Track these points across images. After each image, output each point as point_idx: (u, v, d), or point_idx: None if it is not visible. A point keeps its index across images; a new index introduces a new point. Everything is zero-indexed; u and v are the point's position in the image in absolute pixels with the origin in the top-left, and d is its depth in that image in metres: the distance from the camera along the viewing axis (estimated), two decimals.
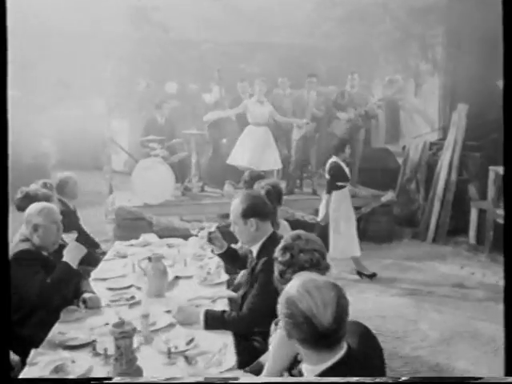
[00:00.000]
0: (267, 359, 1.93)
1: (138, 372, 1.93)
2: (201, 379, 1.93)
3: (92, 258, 3.79)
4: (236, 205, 2.61)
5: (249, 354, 2.31)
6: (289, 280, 1.97)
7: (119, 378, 1.88)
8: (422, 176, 7.52)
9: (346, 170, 5.35)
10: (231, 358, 2.14)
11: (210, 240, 2.89)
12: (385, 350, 3.65)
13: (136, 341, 2.27)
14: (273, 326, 2.05)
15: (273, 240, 2.59)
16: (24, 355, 2.20)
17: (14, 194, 4.14)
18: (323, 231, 5.24)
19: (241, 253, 3.04)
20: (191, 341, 2.26)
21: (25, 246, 2.75)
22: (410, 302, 4.76)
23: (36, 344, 2.28)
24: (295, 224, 6.78)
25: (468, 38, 8.00)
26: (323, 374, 1.47)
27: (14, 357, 2.34)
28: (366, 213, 6.87)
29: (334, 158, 5.29)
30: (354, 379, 1.56)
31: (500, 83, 6.49)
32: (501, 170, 6.10)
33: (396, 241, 7.01)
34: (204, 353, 2.16)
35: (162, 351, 2.18)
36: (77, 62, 8.57)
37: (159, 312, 2.61)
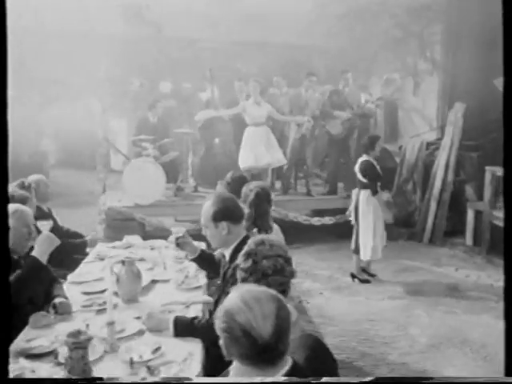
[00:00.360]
0: None
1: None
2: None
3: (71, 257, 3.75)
4: (207, 208, 2.53)
5: (219, 362, 2.23)
6: None
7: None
8: (418, 176, 7.40)
9: (378, 168, 5.22)
10: (196, 366, 2.06)
11: (178, 245, 2.81)
12: (371, 356, 3.59)
13: (99, 349, 2.21)
14: None
15: (245, 244, 2.52)
16: None
17: None
18: (356, 233, 5.16)
19: (218, 257, 2.95)
20: (157, 349, 2.18)
21: None
22: (401, 305, 4.66)
23: None
24: (289, 225, 6.76)
25: (467, 36, 7.88)
26: None
27: None
28: None
29: (364, 157, 5.15)
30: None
31: (497, 81, 6.36)
32: (497, 170, 5.98)
33: (391, 242, 6.88)
34: (168, 362, 2.08)
35: (125, 360, 2.10)
36: (72, 61, 8.53)
37: (129, 318, 2.54)
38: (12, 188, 3.63)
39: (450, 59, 8.62)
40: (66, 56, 8.45)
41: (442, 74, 8.70)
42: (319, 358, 1.61)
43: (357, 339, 3.93)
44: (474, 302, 4.76)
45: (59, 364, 2.09)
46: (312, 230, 6.80)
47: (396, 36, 9.04)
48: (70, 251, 3.88)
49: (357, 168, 5.21)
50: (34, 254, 2.65)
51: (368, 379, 1.74)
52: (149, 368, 2.02)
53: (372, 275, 5.38)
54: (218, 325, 1.38)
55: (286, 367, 1.41)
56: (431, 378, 1.83)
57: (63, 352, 2.11)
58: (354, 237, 5.30)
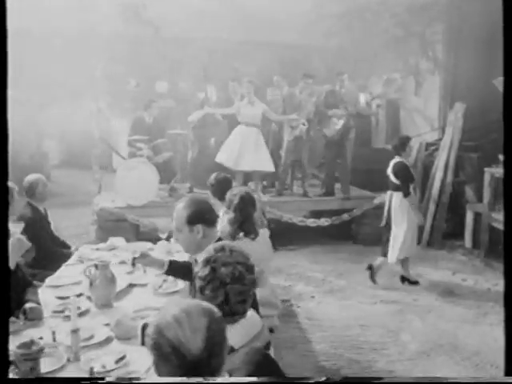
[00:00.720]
0: None
1: None
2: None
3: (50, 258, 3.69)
4: (180, 211, 2.42)
5: None
6: (209, 297, 1.80)
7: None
8: (417, 177, 7.25)
9: (411, 169, 5.12)
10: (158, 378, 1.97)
11: (134, 265, 2.70)
12: (358, 363, 3.48)
13: (63, 358, 2.13)
14: None
15: None
16: None
17: None
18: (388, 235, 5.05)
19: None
20: (122, 359, 2.09)
21: None
22: (393, 310, 4.55)
23: None
24: (284, 226, 6.68)
25: (469, 35, 7.76)
26: None
27: None
28: (358, 215, 6.66)
29: (397, 159, 5.02)
30: None
31: (496, 81, 6.21)
32: (497, 171, 5.85)
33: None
34: (131, 373, 1.99)
35: (85, 370, 2.02)
36: (70, 61, 8.49)
37: (99, 325, 2.46)
38: None
39: (451, 59, 8.50)
40: (64, 56, 8.41)
41: (443, 73, 8.57)
42: (264, 374, 1.52)
43: (345, 345, 3.83)
44: (469, 308, 4.64)
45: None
46: (308, 231, 6.71)
47: (397, 35, 8.91)
48: (56, 260, 3.83)
49: (390, 170, 5.06)
50: None
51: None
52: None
53: (413, 282, 5.23)
54: (147, 342, 1.29)
55: None
56: (381, 378, 1.74)
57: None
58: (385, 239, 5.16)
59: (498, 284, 5.15)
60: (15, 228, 2.81)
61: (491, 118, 6.78)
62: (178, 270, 2.75)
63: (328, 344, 3.84)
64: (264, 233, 3.19)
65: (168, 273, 2.72)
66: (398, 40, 8.98)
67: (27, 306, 2.59)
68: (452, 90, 8.43)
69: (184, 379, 1.43)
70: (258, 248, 3.02)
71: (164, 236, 2.80)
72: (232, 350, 1.75)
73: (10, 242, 2.65)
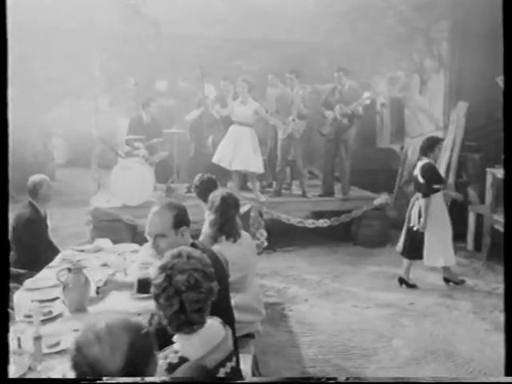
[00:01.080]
0: None
1: None
2: None
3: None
4: (164, 215, 2.33)
5: None
6: (163, 306, 1.72)
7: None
8: None
9: (440, 170, 5.03)
10: None
11: (98, 294, 2.62)
12: (345, 370, 3.38)
13: (25, 365, 2.06)
14: None
15: (196, 248, 2.37)
16: None
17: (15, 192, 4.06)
18: (419, 238, 4.92)
19: None
20: None
21: None
22: (387, 314, 4.43)
23: None
24: (283, 227, 6.58)
25: (474, 32, 7.59)
26: None
27: None
28: (357, 216, 6.54)
29: (424, 160, 4.92)
30: None
31: (499, 79, 6.06)
32: (499, 172, 5.70)
33: (390, 246, 6.65)
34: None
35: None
36: (71, 60, 8.47)
37: (69, 330, 2.39)
38: None
39: (456, 57, 8.33)
40: (65, 55, 8.39)
41: (448, 71, 8.41)
42: None
43: (334, 351, 3.73)
44: (466, 313, 4.50)
45: None
46: (307, 232, 6.61)
47: (401, 33, 8.75)
48: (45, 262, 3.77)
49: (417, 171, 4.95)
50: None
51: None
52: None
53: (458, 282, 5.14)
54: (68, 360, 1.22)
55: None
56: (334, 379, 1.67)
57: None
58: (412, 242, 5.03)
59: (498, 288, 5.01)
60: None
61: (496, 117, 6.62)
62: (149, 285, 2.64)
63: (317, 349, 3.74)
64: (247, 235, 3.10)
65: (140, 291, 2.62)
66: (403, 38, 8.83)
67: None
68: (457, 89, 8.27)
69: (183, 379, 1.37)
70: (239, 251, 2.94)
71: (99, 284, 2.71)
72: (187, 361, 1.67)
73: None
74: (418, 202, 4.98)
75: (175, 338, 1.76)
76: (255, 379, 3.02)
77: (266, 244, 6.17)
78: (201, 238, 3.09)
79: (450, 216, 5.05)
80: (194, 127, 6.50)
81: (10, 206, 2.35)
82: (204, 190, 3.47)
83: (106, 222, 5.86)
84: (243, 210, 6.11)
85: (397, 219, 7.45)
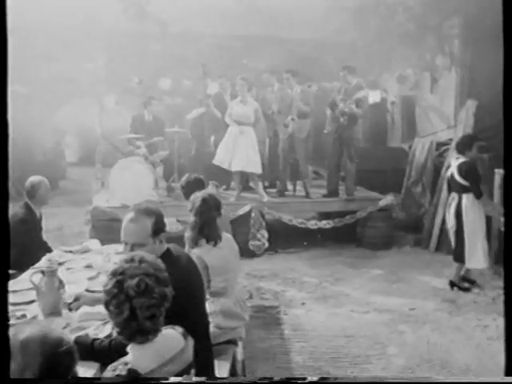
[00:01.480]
0: None
1: None
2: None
3: None
4: (141, 224, 2.19)
5: None
6: (114, 313, 1.64)
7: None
8: (427, 178, 6.96)
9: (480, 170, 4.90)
10: None
11: (71, 310, 2.51)
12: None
13: None
14: None
15: (170, 253, 2.28)
16: None
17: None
18: (460, 239, 4.81)
19: None
20: None
21: None
22: (385, 320, 4.29)
23: None
24: (287, 228, 6.46)
25: (487, 28, 7.36)
26: None
27: None
28: (362, 217, 6.39)
29: (461, 158, 4.76)
30: None
31: None
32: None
33: (396, 248, 6.51)
34: None
35: None
36: (78, 59, 8.48)
37: None
38: None
39: (468, 54, 8.10)
40: (72, 54, 8.40)
41: (460, 69, 8.19)
42: None
43: (326, 357, 3.61)
44: (469, 319, 4.34)
45: None
46: (311, 234, 6.47)
47: (411, 30, 8.55)
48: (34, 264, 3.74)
49: (454, 170, 4.79)
50: None
51: None
52: None
53: (472, 282, 5.03)
54: None
55: None
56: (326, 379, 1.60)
57: None
58: (454, 244, 4.92)
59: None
60: None
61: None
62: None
63: (307, 356, 3.63)
64: (228, 238, 2.99)
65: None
66: (413, 35, 8.63)
67: None
68: (469, 87, 8.04)
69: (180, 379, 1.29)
70: (220, 255, 2.84)
71: (69, 300, 2.64)
72: (136, 374, 1.58)
73: None
74: (454, 203, 4.82)
75: (128, 348, 1.68)
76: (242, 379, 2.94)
77: (266, 245, 6.06)
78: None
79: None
80: (195, 126, 6.42)
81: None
82: (190, 190, 3.38)
83: (105, 221, 5.81)
84: (244, 210, 6.04)
85: (404, 220, 7.30)
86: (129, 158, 5.98)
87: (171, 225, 6.03)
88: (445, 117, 8.59)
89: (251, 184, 6.53)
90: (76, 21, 8.03)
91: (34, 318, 2.58)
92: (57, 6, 7.97)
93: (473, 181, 4.67)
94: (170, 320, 1.91)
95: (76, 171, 12.06)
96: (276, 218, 6.33)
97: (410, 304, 4.65)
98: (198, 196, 2.92)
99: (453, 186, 4.87)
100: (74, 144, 13.70)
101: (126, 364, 1.62)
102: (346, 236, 6.57)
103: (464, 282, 5.00)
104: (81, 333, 2.32)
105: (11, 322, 2.50)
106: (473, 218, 4.72)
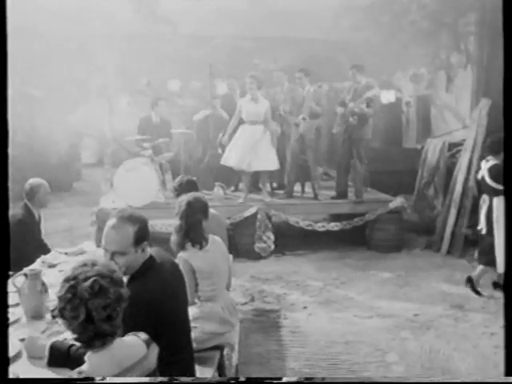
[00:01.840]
0: None
1: None
2: None
3: None
4: (123, 232, 2.08)
5: None
6: (70, 318, 1.59)
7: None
8: (440, 180, 6.79)
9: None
10: None
11: (54, 318, 2.42)
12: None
13: None
14: None
15: (152, 261, 2.20)
16: None
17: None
18: (489, 242, 4.70)
19: None
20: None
21: None
22: (388, 326, 4.17)
23: None
24: (295, 230, 6.36)
25: (505, 25, 7.14)
26: None
27: None
28: (372, 220, 6.26)
29: (493, 160, 4.63)
30: None
31: None
32: None
33: (406, 251, 6.36)
34: None
35: None
36: (90, 61, 8.54)
37: (15, 339, 2.29)
38: None
39: (485, 51, 7.87)
40: (85, 56, 8.47)
41: (476, 67, 7.97)
42: None
43: (322, 364, 3.51)
44: (476, 326, 4.19)
45: None
46: (320, 236, 6.35)
47: (426, 28, 8.37)
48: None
49: (485, 173, 4.67)
50: None
51: None
52: None
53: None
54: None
55: None
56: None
57: None
58: (481, 247, 4.83)
59: None
60: None
61: None
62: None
63: (303, 362, 3.53)
64: (217, 241, 2.92)
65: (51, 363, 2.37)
66: (428, 33, 8.44)
67: None
68: (485, 86, 7.82)
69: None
70: (207, 258, 2.78)
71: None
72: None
73: None
74: (485, 205, 4.69)
75: (86, 357, 1.63)
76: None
77: (272, 247, 5.99)
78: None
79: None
80: (200, 127, 6.38)
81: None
82: (183, 193, 3.32)
83: None
84: (250, 212, 5.97)
85: (416, 223, 7.13)
86: (134, 159, 5.98)
87: None
88: (460, 116, 8.39)
89: (261, 185, 6.46)
90: (89, 24, 8.08)
91: (17, 321, 2.56)
92: (70, 11, 8.05)
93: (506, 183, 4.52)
94: (148, 328, 1.87)
95: (91, 172, 12.16)
96: (284, 220, 6.24)
97: (416, 309, 4.51)
98: (183, 199, 2.86)
99: (483, 188, 4.74)
100: (92, 146, 13.82)
101: (80, 373, 1.58)
102: (356, 238, 6.45)
103: (496, 288, 4.82)
104: (60, 337, 2.29)
105: None
106: (504, 221, 4.56)
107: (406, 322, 4.24)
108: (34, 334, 2.28)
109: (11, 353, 2.17)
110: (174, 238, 2.80)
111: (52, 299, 2.62)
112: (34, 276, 2.58)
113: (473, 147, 6.21)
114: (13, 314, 2.63)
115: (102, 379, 1.68)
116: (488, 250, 4.66)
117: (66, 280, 1.60)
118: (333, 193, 6.59)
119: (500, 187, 4.47)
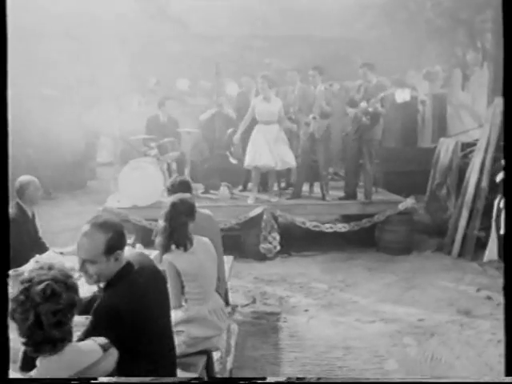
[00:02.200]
0: None
1: None
2: None
3: None
4: (94, 240, 1.99)
5: None
6: (19, 320, 1.56)
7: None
8: (452, 181, 6.60)
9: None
10: None
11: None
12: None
13: None
14: None
15: (129, 270, 2.14)
16: None
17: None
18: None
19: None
20: None
21: None
22: (391, 331, 4.04)
23: None
24: (302, 230, 6.26)
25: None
26: None
27: None
28: (381, 221, 6.12)
29: None
30: None
31: None
32: None
33: (416, 253, 6.21)
34: None
35: None
36: (102, 61, 8.57)
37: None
38: None
39: (501, 49, 7.62)
40: (96, 55, 8.50)
41: (492, 65, 7.75)
42: None
43: (317, 370, 3.42)
44: (482, 333, 4.03)
45: None
46: (329, 237, 6.24)
47: (441, 25, 8.17)
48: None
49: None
50: None
51: None
52: None
53: None
54: None
55: None
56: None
57: None
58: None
59: None
60: None
61: None
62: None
63: (298, 368, 3.45)
64: (203, 243, 2.85)
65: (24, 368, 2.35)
66: (443, 30, 8.25)
67: None
68: (502, 84, 7.57)
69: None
70: (192, 260, 2.71)
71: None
72: None
73: None
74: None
75: (37, 362, 1.60)
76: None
77: (278, 248, 5.90)
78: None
79: None
80: (207, 126, 6.33)
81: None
82: (175, 193, 3.27)
83: None
84: (255, 212, 5.89)
85: (428, 224, 6.97)
86: (139, 159, 5.96)
87: None
88: (476, 115, 8.18)
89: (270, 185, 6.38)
90: (100, 23, 8.11)
91: None
92: (80, 11, 8.09)
93: None
94: (122, 336, 1.82)
95: (107, 171, 12.24)
96: (290, 221, 6.15)
97: (421, 314, 4.38)
98: (168, 200, 2.82)
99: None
100: (108, 145, 13.92)
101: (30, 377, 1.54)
102: (365, 240, 6.32)
103: None
104: None
105: None
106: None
107: (409, 327, 4.12)
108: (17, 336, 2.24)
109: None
110: (158, 240, 2.74)
111: None
112: (16, 277, 2.54)
113: (486, 147, 6.02)
114: None
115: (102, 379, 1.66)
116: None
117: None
118: (342, 193, 6.48)
119: None
